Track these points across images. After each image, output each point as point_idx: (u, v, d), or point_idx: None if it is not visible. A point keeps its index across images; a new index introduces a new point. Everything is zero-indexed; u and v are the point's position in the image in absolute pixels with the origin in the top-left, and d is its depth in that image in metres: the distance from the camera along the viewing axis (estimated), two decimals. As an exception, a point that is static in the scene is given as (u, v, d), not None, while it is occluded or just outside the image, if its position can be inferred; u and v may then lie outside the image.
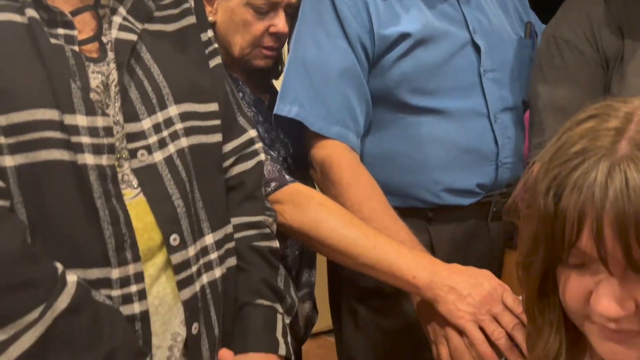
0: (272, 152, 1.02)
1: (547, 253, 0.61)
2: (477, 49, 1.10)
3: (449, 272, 0.83)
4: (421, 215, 1.11)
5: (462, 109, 1.08)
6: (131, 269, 0.64)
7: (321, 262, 1.26)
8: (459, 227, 1.13)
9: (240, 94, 1.11)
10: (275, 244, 0.83)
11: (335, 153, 1.03)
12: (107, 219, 0.63)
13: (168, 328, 0.67)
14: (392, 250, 0.86)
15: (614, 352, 0.60)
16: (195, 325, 0.69)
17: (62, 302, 0.58)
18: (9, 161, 0.59)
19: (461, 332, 0.80)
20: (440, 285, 0.82)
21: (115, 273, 0.63)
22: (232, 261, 0.76)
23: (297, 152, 1.16)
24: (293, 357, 0.77)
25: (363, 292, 1.16)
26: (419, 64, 1.05)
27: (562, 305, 0.64)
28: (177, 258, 0.68)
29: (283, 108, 1.03)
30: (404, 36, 1.04)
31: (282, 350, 0.75)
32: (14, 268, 0.56)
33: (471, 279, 0.82)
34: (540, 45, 1.11)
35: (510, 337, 0.77)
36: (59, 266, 0.60)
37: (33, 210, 0.61)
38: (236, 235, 0.78)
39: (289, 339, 0.77)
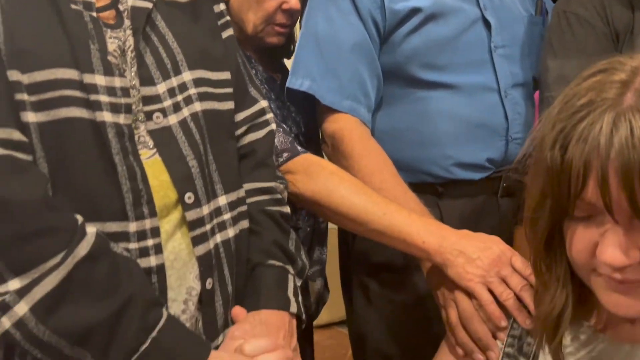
0: (284, 126, 1.04)
1: (554, 206, 0.62)
2: (487, 25, 1.11)
3: (458, 237, 0.84)
4: (431, 191, 1.12)
5: (473, 84, 1.09)
6: (148, 223, 0.66)
7: (333, 248, 1.28)
8: (469, 202, 1.14)
9: (253, 71, 1.13)
10: (286, 209, 0.84)
11: (347, 126, 1.04)
12: (125, 175, 0.65)
13: (183, 282, 0.69)
14: (402, 216, 0.88)
15: (620, 304, 0.61)
16: (209, 281, 0.70)
17: (82, 249, 0.60)
18: (31, 117, 0.62)
19: (470, 295, 0.81)
20: (449, 249, 0.83)
21: (132, 227, 0.65)
22: (244, 223, 0.78)
23: (309, 130, 1.18)
24: (304, 316, 0.79)
25: (373, 267, 1.17)
26: (429, 39, 1.06)
27: (569, 260, 0.65)
28: (191, 215, 0.70)
29: (295, 82, 1.04)
30: (415, 11, 1.05)
31: (294, 308, 0.76)
32: (37, 216, 0.59)
33: (480, 243, 0.83)
34: (550, 21, 1.12)
35: (518, 299, 0.78)
36: (79, 217, 0.62)
37: (54, 165, 0.63)
38: (248, 200, 0.80)
39: (300, 298, 0.79)
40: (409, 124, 1.11)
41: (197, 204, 0.70)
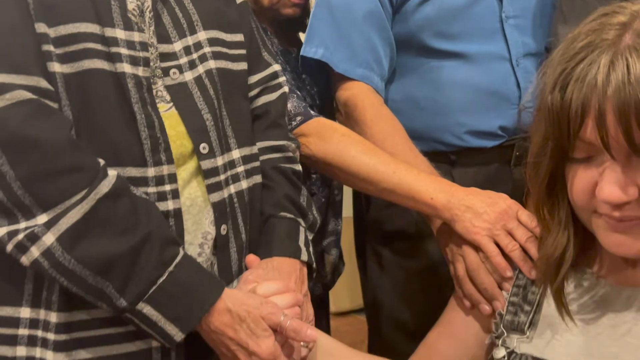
0: (298, 92, 1.07)
1: (555, 148, 0.64)
2: (499, -5, 1.12)
3: (466, 193, 0.86)
4: (445, 159, 1.14)
5: (484, 53, 1.11)
6: (165, 169, 0.70)
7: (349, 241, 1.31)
8: (481, 170, 1.16)
9: (269, 42, 1.16)
10: (298, 167, 0.88)
11: (360, 93, 1.07)
12: (144, 123, 0.69)
13: (199, 227, 0.73)
14: (412, 175, 0.90)
15: (620, 243, 0.63)
16: (223, 227, 0.74)
17: (104, 187, 0.64)
18: (57, 68, 0.66)
19: (477, 249, 0.83)
20: (457, 205, 0.85)
21: (150, 172, 0.69)
22: (257, 178, 0.81)
23: (324, 102, 1.21)
24: (314, 265, 0.82)
25: (386, 235, 1.20)
26: (441, 7, 1.08)
27: (571, 204, 0.67)
28: (206, 164, 0.73)
29: (309, 50, 1.07)
30: (427, -20, 1.07)
31: (304, 257, 0.80)
32: (62, 155, 0.63)
33: (487, 198, 0.85)
34: (561, -12, 1.13)
35: (524, 250, 0.79)
36: (101, 160, 0.66)
37: (78, 113, 0.67)
38: (261, 158, 0.83)
39: (310, 249, 0.82)
40: (423, 93, 1.13)
41: (211, 154, 0.74)
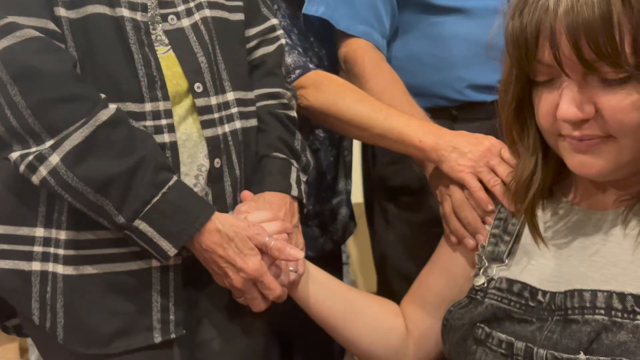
0: (299, 49, 1.11)
1: (518, 72, 0.67)
2: (499, -50, 1.14)
3: (454, 135, 0.90)
4: (447, 115, 1.17)
5: (484, 8, 1.12)
6: (161, 105, 0.76)
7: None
8: (483, 125, 1.16)
9: (276, 6, 1.21)
10: (293, 113, 0.93)
11: (359, 49, 1.10)
12: (141, 62, 0.75)
13: (194, 160, 0.79)
14: (402, 120, 0.94)
15: (582, 163, 0.66)
16: (217, 160, 0.80)
17: (104, 115, 0.71)
18: (63, 12, 0.73)
19: (462, 187, 0.87)
20: (444, 146, 0.88)
21: (148, 107, 0.75)
22: (253, 122, 0.87)
23: (333, 63, 1.25)
24: (305, 200, 0.87)
25: (391, 191, 1.23)
26: None
27: (539, 129, 0.70)
28: (200, 102, 0.79)
29: (310, 8, 1.12)
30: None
31: (294, 192, 0.85)
32: (66, 85, 0.70)
33: (473, 139, 0.88)
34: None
35: (505, 185, 0.82)
36: (102, 95, 0.73)
37: (82, 55, 0.74)
38: (257, 104, 0.89)
39: (302, 187, 0.87)
40: (424, 49, 1.15)
41: (205, 93, 0.80)
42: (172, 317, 0.76)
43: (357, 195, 1.38)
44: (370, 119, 0.95)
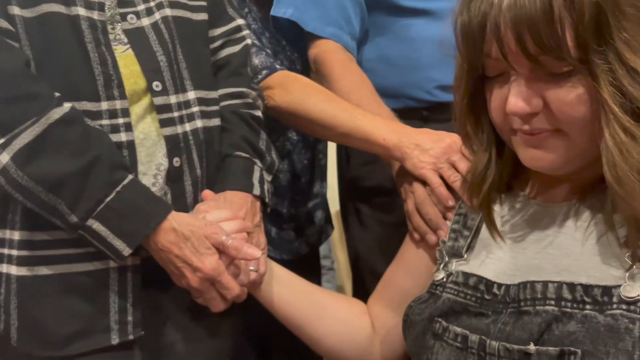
0: (268, 51, 1.12)
1: (469, 67, 0.67)
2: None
3: (416, 133, 0.90)
4: (417, 115, 1.17)
5: (450, 9, 1.13)
6: (118, 104, 0.76)
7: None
8: (454, 125, 1.18)
9: (246, 9, 1.21)
10: (258, 113, 0.93)
11: (328, 50, 1.11)
12: (97, 60, 0.75)
13: (152, 159, 0.79)
14: (367, 119, 0.94)
15: (534, 157, 0.66)
16: (176, 159, 0.80)
17: (56, 113, 0.71)
18: (17, 11, 0.73)
19: (425, 184, 0.87)
20: (407, 144, 0.89)
21: (104, 105, 0.75)
22: (215, 121, 0.87)
23: (303, 65, 1.25)
24: (268, 199, 0.87)
25: (365, 191, 1.23)
26: None
27: (493, 123, 0.71)
28: (158, 100, 0.79)
29: (279, 10, 1.12)
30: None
31: (257, 191, 0.85)
32: (18, 83, 0.70)
33: (435, 136, 0.89)
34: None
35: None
36: (57, 93, 0.73)
37: (38, 54, 0.74)
38: (221, 104, 0.89)
39: (265, 186, 0.87)
40: (395, 51, 1.16)
41: (164, 92, 0.80)
42: (130, 318, 0.76)
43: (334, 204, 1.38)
44: (336, 117, 0.96)
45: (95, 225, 0.71)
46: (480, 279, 0.72)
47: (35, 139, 0.69)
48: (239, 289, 0.78)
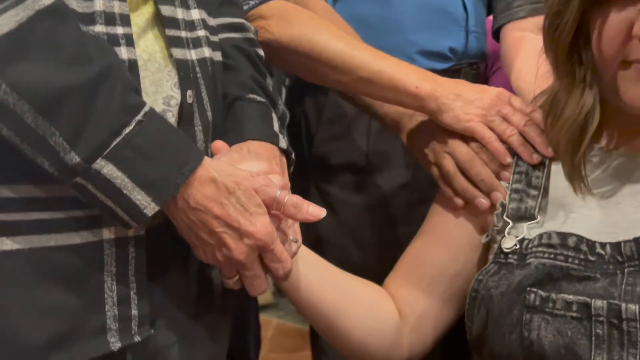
0: None
1: None
2: None
3: (453, 82, 0.78)
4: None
5: None
6: (116, 6, 0.53)
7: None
8: None
9: None
10: (262, 52, 0.74)
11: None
12: None
13: (159, 90, 0.56)
14: (393, 62, 0.80)
15: None
16: (189, 93, 0.58)
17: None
18: None
19: (467, 140, 0.75)
20: (445, 93, 0.76)
21: (98, 4, 0.52)
22: (218, 55, 0.66)
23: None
24: (293, 156, 0.68)
25: (332, 170, 1.09)
26: None
27: (596, 58, 0.61)
28: (166, 10, 0.57)
29: None
30: None
31: (283, 144, 0.66)
32: None
33: (476, 87, 0.78)
34: None
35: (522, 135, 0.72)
36: None
37: None
38: (219, 36, 0.69)
39: (286, 138, 0.69)
40: (371, 11, 1.05)
41: (170, 1, 0.58)
42: (134, 311, 0.53)
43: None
44: (355, 58, 0.80)
45: (107, 168, 0.47)
46: (581, 238, 0.62)
47: (18, 28, 0.44)
48: (291, 262, 0.58)
